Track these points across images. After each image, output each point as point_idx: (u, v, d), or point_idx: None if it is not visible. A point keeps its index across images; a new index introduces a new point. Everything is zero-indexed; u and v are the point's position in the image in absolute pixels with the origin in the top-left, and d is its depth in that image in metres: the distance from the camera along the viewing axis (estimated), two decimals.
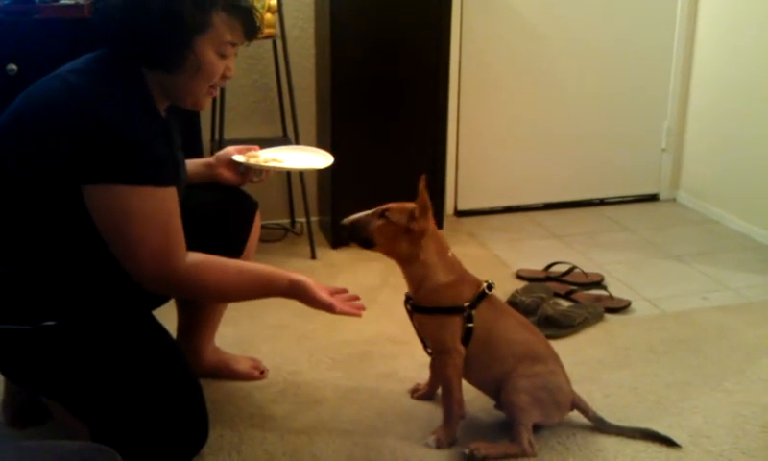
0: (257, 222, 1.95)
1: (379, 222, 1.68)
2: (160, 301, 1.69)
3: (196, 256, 1.49)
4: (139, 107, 1.43)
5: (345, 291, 1.64)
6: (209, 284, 1.52)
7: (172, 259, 1.44)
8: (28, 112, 1.41)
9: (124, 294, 1.53)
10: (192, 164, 1.82)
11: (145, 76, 1.48)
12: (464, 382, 1.75)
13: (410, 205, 1.69)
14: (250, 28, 1.52)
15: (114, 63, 1.45)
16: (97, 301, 1.51)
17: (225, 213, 1.86)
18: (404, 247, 1.69)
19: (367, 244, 1.70)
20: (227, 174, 1.86)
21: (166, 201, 1.43)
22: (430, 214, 1.69)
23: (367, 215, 1.70)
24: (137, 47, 1.43)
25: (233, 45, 1.51)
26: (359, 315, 1.59)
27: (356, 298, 1.63)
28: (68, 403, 1.54)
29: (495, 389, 1.73)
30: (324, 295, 1.56)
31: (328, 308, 1.55)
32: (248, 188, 1.93)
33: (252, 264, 1.62)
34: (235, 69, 1.57)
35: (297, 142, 2.90)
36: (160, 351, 1.60)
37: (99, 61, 1.46)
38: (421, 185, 1.65)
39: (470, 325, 1.69)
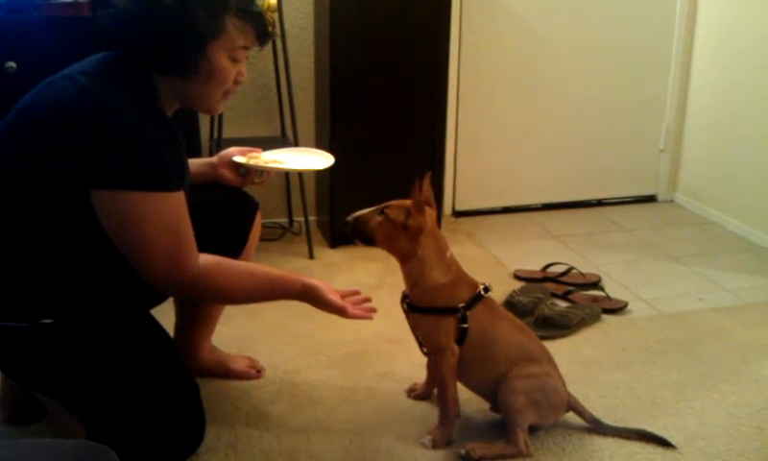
0: (258, 222, 1.95)
1: (379, 219, 1.71)
2: (158, 299, 1.69)
3: (208, 259, 1.50)
4: (148, 111, 1.42)
5: (356, 293, 1.64)
6: (221, 287, 1.52)
7: (183, 262, 1.45)
8: (35, 111, 1.40)
9: (122, 292, 1.53)
10: (195, 164, 1.82)
11: (155, 79, 1.48)
12: (459, 384, 1.75)
13: (409, 202, 1.70)
14: (262, 32, 1.52)
15: (124, 66, 1.44)
16: (95, 299, 1.51)
17: (225, 213, 1.86)
18: (403, 243, 1.70)
19: (368, 241, 1.73)
20: (228, 175, 1.87)
21: (175, 205, 1.43)
22: (428, 212, 1.70)
23: (369, 212, 1.73)
24: (150, 55, 1.43)
25: (245, 49, 1.51)
26: (370, 318, 1.60)
27: (367, 299, 1.64)
28: (65, 401, 1.54)
29: (491, 391, 1.73)
30: (336, 298, 1.57)
31: (340, 312, 1.56)
32: (247, 189, 1.93)
33: (263, 267, 1.60)
34: (247, 74, 1.57)
35: (295, 141, 2.90)
36: (157, 349, 1.60)
37: (108, 64, 1.45)
38: (418, 183, 1.67)
39: (465, 326, 1.69)
